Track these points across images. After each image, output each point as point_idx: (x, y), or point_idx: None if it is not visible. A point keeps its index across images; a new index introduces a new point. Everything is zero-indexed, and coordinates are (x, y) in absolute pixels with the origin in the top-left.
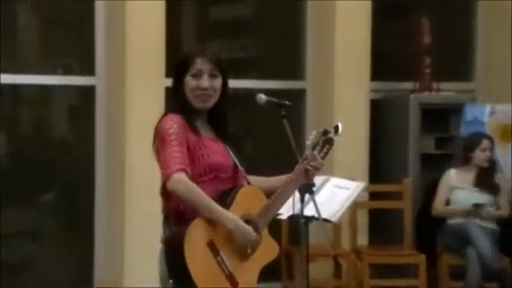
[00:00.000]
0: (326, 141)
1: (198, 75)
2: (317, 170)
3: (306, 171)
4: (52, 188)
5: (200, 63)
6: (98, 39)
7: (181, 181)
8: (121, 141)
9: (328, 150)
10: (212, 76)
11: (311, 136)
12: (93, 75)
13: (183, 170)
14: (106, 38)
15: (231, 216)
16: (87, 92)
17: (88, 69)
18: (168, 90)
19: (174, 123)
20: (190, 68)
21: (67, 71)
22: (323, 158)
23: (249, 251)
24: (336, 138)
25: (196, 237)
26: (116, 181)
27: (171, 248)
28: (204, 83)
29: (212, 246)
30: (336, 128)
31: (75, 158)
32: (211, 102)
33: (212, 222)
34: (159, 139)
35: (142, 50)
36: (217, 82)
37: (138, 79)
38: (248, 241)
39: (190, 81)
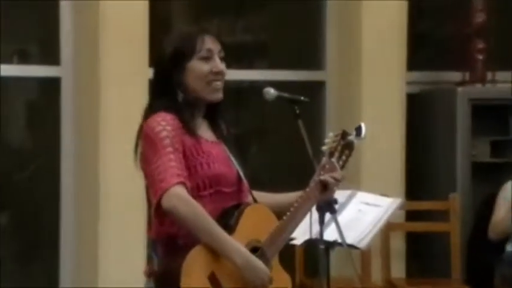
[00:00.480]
0: (345, 146)
1: (208, 58)
2: (337, 182)
3: (324, 184)
4: (7, 206)
5: (210, 42)
6: (63, 20)
7: (182, 198)
8: (93, 147)
9: (348, 157)
10: (221, 59)
11: (327, 139)
12: (57, 65)
13: (182, 183)
14: (74, 18)
15: (240, 249)
16: (51, 85)
17: (51, 56)
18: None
19: (167, 125)
20: (197, 50)
21: (24, 58)
22: (342, 167)
23: None
24: (357, 142)
25: (196, 269)
26: (86, 197)
27: (164, 282)
28: (218, 65)
29: (214, 280)
30: (359, 129)
31: (35, 169)
32: (222, 92)
33: (214, 250)
34: (149, 145)
35: (121, 32)
36: (225, 67)
37: (114, 69)
38: (259, 279)
39: (199, 66)
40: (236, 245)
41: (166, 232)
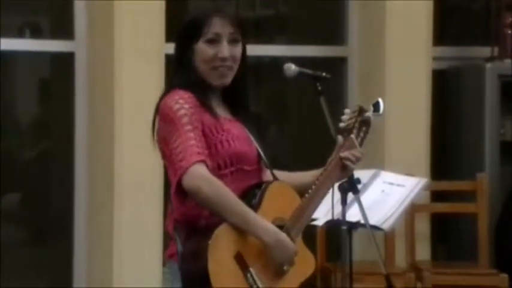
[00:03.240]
0: (363, 123)
1: (215, 41)
2: (357, 160)
3: (343, 162)
4: (17, 187)
5: (218, 25)
6: None
7: (204, 178)
8: (108, 126)
9: (366, 134)
10: (233, 42)
11: (344, 116)
12: (71, 39)
13: (203, 161)
14: None
15: (268, 227)
16: (64, 61)
17: (65, 31)
18: (169, 58)
19: (185, 103)
20: (204, 32)
21: (36, 33)
22: (360, 144)
23: (285, 267)
24: (375, 118)
25: (222, 249)
26: (101, 178)
27: (189, 263)
28: (224, 51)
29: (241, 260)
30: (376, 105)
31: (47, 148)
32: (230, 78)
33: (238, 230)
34: (167, 123)
35: (136, 5)
36: (239, 50)
37: (129, 44)
38: (288, 257)
39: (204, 49)
40: (264, 222)
41: (187, 213)
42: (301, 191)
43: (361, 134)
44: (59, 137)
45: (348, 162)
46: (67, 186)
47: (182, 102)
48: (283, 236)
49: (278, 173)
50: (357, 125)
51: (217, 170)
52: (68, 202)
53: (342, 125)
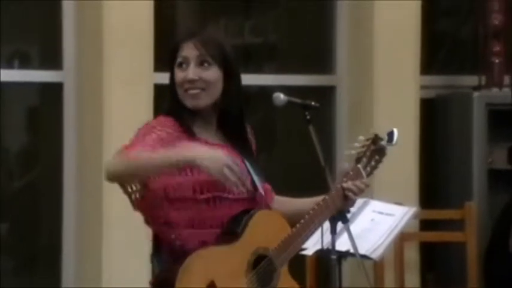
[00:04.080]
0: (376, 152)
1: (184, 64)
2: (360, 192)
3: (345, 192)
4: (5, 217)
5: (186, 49)
6: (66, 22)
7: (113, 156)
8: (97, 156)
9: (378, 163)
10: (202, 64)
11: (356, 144)
12: (60, 69)
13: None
14: (77, 20)
15: (188, 147)
16: (53, 91)
17: (53, 61)
18: (158, 88)
19: (161, 130)
20: (175, 57)
21: (25, 62)
22: (369, 174)
23: (233, 178)
24: (389, 148)
25: (193, 277)
26: (89, 206)
27: None
28: (189, 73)
29: None
30: (391, 134)
31: (36, 178)
32: (203, 100)
33: (213, 256)
34: (136, 133)
35: (125, 35)
36: (211, 72)
37: (119, 74)
38: (222, 165)
39: (176, 73)
40: (180, 148)
41: (166, 241)
42: (296, 218)
43: (372, 163)
44: (48, 167)
45: (350, 194)
46: (55, 216)
47: (159, 128)
48: (205, 148)
49: (279, 199)
50: (368, 153)
51: (192, 194)
52: (56, 232)
53: (352, 152)
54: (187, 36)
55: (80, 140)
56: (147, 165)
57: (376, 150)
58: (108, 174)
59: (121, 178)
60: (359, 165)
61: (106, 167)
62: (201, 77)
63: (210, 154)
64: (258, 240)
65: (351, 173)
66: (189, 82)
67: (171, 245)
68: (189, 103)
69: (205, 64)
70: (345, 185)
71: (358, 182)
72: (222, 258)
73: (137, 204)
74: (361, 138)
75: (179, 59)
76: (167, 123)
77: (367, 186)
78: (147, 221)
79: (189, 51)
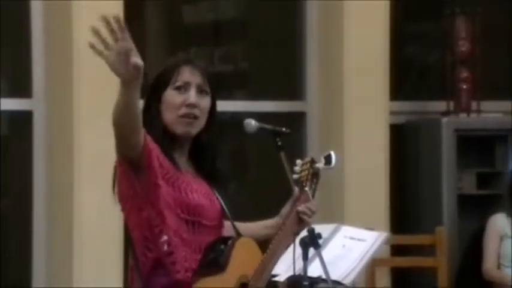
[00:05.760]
0: (313, 175)
1: (183, 88)
2: (312, 214)
3: (300, 216)
4: None
5: (188, 74)
6: (35, 49)
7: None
8: (67, 184)
9: (316, 185)
10: (201, 92)
11: (297, 167)
12: (29, 97)
13: None
14: (47, 47)
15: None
16: (22, 119)
17: (23, 89)
18: None
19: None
20: (173, 79)
21: None
22: (312, 196)
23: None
24: (325, 170)
25: None
26: (60, 238)
27: None
28: (191, 97)
29: None
30: (328, 157)
31: (6, 208)
32: (195, 128)
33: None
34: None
35: (95, 63)
36: (206, 102)
37: (89, 102)
38: (120, 66)
39: (172, 97)
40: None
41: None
42: (260, 240)
43: (313, 186)
44: (17, 195)
45: (304, 217)
46: (25, 244)
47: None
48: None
49: (241, 225)
50: (309, 176)
51: (179, 210)
52: (26, 262)
53: (295, 176)
54: (183, 60)
55: (49, 168)
56: (119, 104)
57: (313, 173)
58: (114, 124)
59: (119, 122)
60: (306, 189)
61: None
62: (199, 104)
63: (119, 57)
64: (240, 269)
65: (302, 196)
66: (189, 106)
67: (159, 250)
68: (181, 129)
69: (203, 93)
70: (299, 208)
71: (309, 204)
72: None
73: (139, 185)
74: (299, 161)
75: (178, 83)
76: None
77: (316, 207)
78: (140, 209)
79: (190, 76)
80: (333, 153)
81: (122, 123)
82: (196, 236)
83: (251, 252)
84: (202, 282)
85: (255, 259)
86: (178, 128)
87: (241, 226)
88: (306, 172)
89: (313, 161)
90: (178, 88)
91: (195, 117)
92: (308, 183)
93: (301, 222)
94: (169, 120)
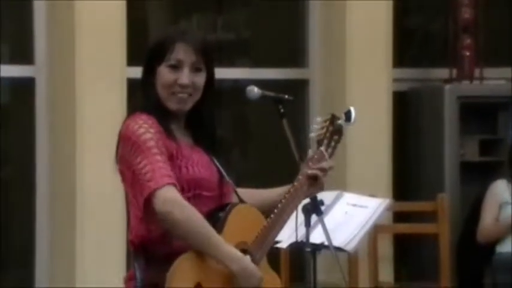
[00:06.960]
0: (334, 132)
1: (176, 67)
2: (325, 173)
3: (312, 177)
4: None
5: (182, 52)
6: (37, 17)
7: (177, 201)
8: (70, 151)
9: (336, 143)
10: (195, 70)
11: (315, 125)
12: (31, 64)
13: (174, 184)
14: (49, 15)
15: (237, 255)
16: (24, 87)
17: (25, 56)
18: (131, 82)
19: (150, 127)
20: (167, 57)
21: None
22: (331, 155)
23: None
24: (347, 127)
25: (181, 280)
26: (63, 201)
27: None
28: (184, 78)
29: None
30: (348, 113)
31: (8, 176)
32: (189, 104)
33: (200, 258)
34: (131, 147)
35: (97, 30)
36: (201, 78)
37: (91, 68)
38: (253, 285)
39: (165, 74)
40: (232, 250)
41: (146, 236)
42: (266, 209)
43: (332, 144)
44: (20, 163)
45: (318, 176)
46: (28, 213)
47: (147, 126)
48: (248, 262)
49: (243, 191)
50: (328, 134)
51: (180, 191)
52: (29, 230)
53: (312, 134)
54: (178, 36)
55: (52, 135)
56: (197, 238)
57: (334, 130)
58: (165, 214)
59: (171, 226)
60: (321, 148)
61: (168, 208)
62: (193, 82)
63: (250, 275)
64: (237, 235)
65: (315, 156)
66: (181, 86)
67: (154, 246)
68: (174, 106)
69: (198, 69)
70: (309, 171)
71: (322, 164)
72: (206, 258)
73: (127, 205)
74: (319, 119)
75: (172, 61)
76: (152, 124)
77: (331, 167)
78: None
79: (184, 55)
80: (352, 109)
81: (177, 234)
82: (198, 207)
83: (250, 219)
84: (194, 251)
85: (254, 225)
86: (171, 105)
87: (251, 192)
88: (324, 130)
89: (334, 118)
90: (171, 66)
91: (189, 95)
92: (326, 141)
93: (313, 184)
94: (163, 97)
